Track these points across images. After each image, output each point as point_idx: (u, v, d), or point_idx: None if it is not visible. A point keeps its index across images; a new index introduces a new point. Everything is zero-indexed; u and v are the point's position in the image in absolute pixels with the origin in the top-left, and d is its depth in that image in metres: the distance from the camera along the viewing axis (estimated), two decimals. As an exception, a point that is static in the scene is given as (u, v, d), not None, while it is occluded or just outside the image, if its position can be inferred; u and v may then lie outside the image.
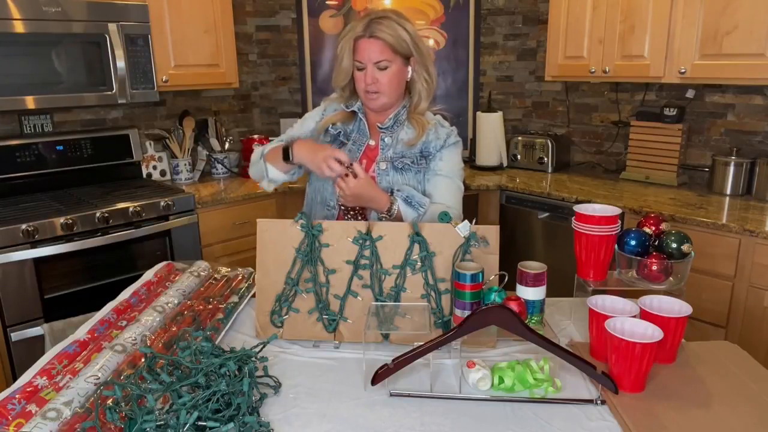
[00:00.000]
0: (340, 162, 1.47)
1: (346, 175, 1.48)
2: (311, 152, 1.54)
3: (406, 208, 1.56)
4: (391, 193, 1.58)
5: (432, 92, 1.65)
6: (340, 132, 1.68)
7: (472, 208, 3.05)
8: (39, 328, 2.23)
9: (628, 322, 1.16)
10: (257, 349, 1.18)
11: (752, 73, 2.30)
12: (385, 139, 1.64)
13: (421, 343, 1.12)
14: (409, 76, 1.61)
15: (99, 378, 1.11)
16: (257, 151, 1.70)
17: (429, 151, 1.64)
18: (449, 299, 1.36)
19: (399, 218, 1.54)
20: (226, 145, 3.29)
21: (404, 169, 1.62)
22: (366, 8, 3.45)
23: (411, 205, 1.56)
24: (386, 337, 1.35)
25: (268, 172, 1.65)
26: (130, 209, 2.48)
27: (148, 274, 1.63)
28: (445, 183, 1.63)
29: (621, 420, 1.05)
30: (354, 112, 1.67)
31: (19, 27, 2.31)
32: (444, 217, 1.38)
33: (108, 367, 1.14)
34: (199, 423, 0.97)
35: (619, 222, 1.41)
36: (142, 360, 1.16)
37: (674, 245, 1.35)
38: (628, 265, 1.40)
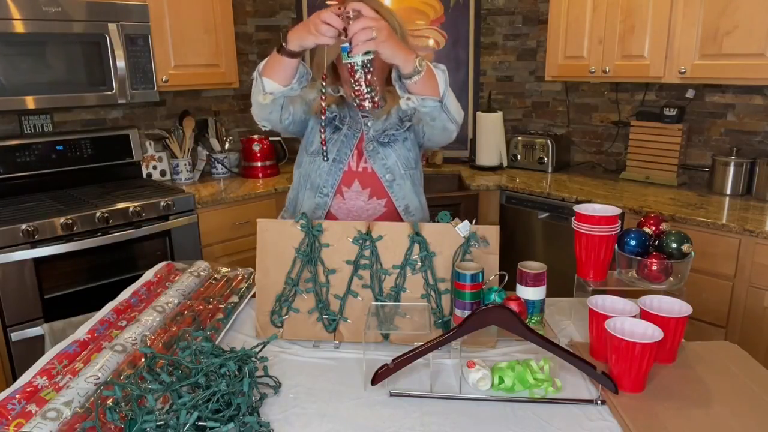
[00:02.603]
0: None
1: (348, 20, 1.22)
2: (302, 26, 1.30)
3: (436, 70, 1.39)
4: None
5: None
6: (336, 116, 1.64)
7: (472, 208, 3.05)
8: (39, 328, 2.23)
9: (628, 322, 1.16)
10: (257, 349, 1.18)
11: (752, 73, 2.30)
12: (369, 123, 1.64)
13: (421, 343, 1.12)
14: None
15: (99, 378, 1.11)
16: (254, 73, 1.50)
17: (403, 110, 1.57)
18: (449, 299, 1.36)
19: (429, 79, 1.34)
20: (226, 145, 3.29)
21: (390, 141, 1.62)
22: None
23: (434, 66, 1.40)
24: (386, 337, 1.35)
25: (264, 85, 1.44)
26: (130, 209, 2.48)
27: (148, 274, 1.63)
28: None
29: (621, 420, 1.05)
30: (342, 97, 1.63)
31: (19, 27, 2.31)
32: (444, 217, 1.38)
33: (108, 367, 1.14)
34: (199, 423, 0.97)
35: (619, 222, 1.41)
36: (142, 360, 1.16)
37: (674, 245, 1.35)
38: (628, 265, 1.40)
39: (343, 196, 1.63)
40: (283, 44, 1.33)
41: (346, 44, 1.19)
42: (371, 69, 1.23)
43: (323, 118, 1.45)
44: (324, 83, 1.42)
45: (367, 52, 1.20)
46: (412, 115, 1.61)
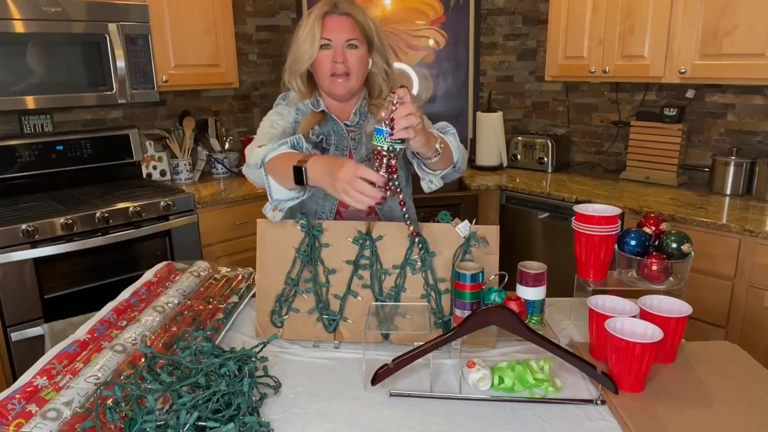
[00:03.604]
0: (371, 182, 1.15)
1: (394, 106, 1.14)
2: (329, 172, 1.19)
3: (447, 137, 1.40)
4: None
5: (391, 84, 1.55)
6: (322, 138, 1.53)
7: (472, 208, 3.05)
8: (39, 328, 2.23)
9: (628, 322, 1.16)
10: (257, 349, 1.18)
11: (752, 73, 2.30)
12: (356, 138, 1.54)
13: (421, 343, 1.12)
14: (369, 66, 1.51)
15: (99, 378, 1.11)
16: (256, 153, 1.37)
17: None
18: (449, 299, 1.36)
19: (445, 152, 1.35)
20: (226, 145, 3.29)
21: None
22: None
23: (444, 133, 1.43)
24: (386, 337, 1.35)
25: (272, 191, 1.34)
26: (130, 209, 2.48)
27: (148, 274, 1.63)
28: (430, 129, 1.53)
29: (621, 420, 1.05)
30: (324, 112, 1.53)
31: (19, 27, 2.31)
32: (444, 217, 1.38)
33: (108, 367, 1.14)
34: (199, 423, 0.97)
35: (619, 222, 1.41)
36: (142, 360, 1.16)
37: (674, 245, 1.35)
38: (628, 265, 1.40)
39: (341, 216, 1.57)
40: (305, 179, 1.24)
41: (382, 127, 1.16)
42: (397, 157, 1.19)
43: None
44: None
45: (402, 141, 1.17)
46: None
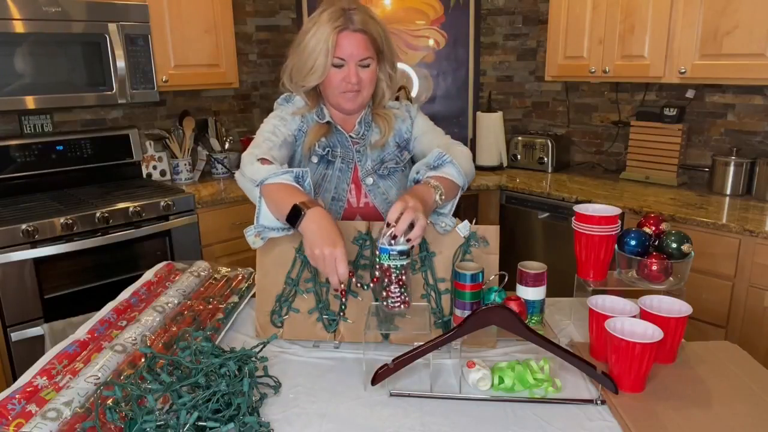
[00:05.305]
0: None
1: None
2: (318, 234, 1.16)
3: (444, 169, 1.36)
4: (416, 182, 1.35)
5: (395, 89, 1.53)
6: (328, 150, 1.50)
7: (472, 208, 3.05)
8: (39, 328, 2.23)
9: (628, 322, 1.16)
10: (257, 349, 1.18)
11: (752, 73, 2.30)
12: (360, 150, 1.52)
13: (421, 343, 1.12)
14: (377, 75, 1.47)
15: (99, 378, 1.11)
16: (256, 169, 1.32)
17: (402, 137, 1.54)
18: (449, 299, 1.36)
19: (447, 188, 1.33)
20: (226, 145, 3.29)
21: (390, 173, 1.53)
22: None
23: (439, 167, 1.37)
24: (386, 337, 1.35)
25: (260, 216, 1.30)
26: (130, 209, 2.48)
27: (148, 274, 1.63)
28: (435, 133, 1.54)
29: (621, 420, 1.05)
30: (329, 123, 1.50)
31: (19, 27, 2.31)
32: (444, 218, 1.38)
33: (108, 367, 1.14)
34: (199, 423, 0.97)
35: (619, 222, 1.41)
36: (142, 360, 1.16)
37: (674, 245, 1.35)
38: (628, 265, 1.40)
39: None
40: (298, 223, 1.19)
41: (386, 245, 1.18)
42: (406, 271, 1.21)
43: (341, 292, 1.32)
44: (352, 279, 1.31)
45: (408, 256, 1.19)
46: (409, 143, 1.57)
